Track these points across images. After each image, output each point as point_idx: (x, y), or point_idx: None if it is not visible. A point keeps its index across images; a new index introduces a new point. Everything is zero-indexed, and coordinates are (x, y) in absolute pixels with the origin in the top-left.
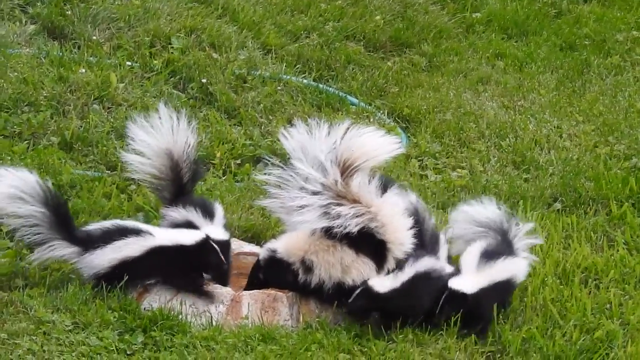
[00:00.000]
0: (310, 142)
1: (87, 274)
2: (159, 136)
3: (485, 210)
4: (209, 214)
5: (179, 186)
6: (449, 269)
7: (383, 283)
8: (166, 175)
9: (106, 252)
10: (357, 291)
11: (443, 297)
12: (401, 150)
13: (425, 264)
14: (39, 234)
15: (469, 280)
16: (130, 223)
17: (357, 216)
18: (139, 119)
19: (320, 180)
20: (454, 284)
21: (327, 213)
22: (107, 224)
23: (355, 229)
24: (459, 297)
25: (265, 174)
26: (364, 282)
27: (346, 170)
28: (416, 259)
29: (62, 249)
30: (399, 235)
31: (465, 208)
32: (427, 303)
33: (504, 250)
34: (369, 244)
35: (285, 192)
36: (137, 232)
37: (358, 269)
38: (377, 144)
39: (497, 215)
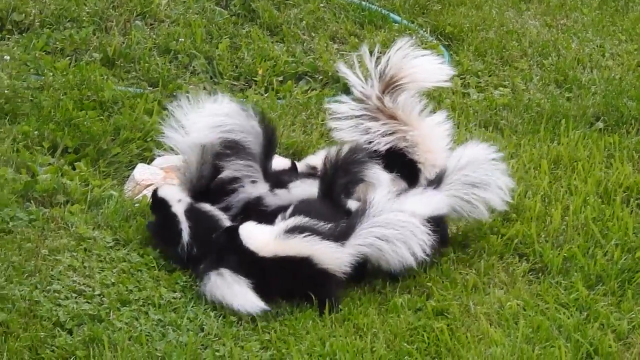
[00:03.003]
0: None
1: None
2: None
3: None
4: None
5: None
6: None
7: None
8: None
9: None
10: None
11: None
12: (449, 84)
13: None
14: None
15: None
16: None
17: (387, 134)
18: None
19: (360, 88)
20: None
21: (356, 126)
22: None
23: (383, 148)
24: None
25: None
26: None
27: (389, 85)
28: None
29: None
30: (431, 157)
31: None
32: None
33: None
34: (401, 164)
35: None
36: None
37: None
38: (428, 69)
39: None
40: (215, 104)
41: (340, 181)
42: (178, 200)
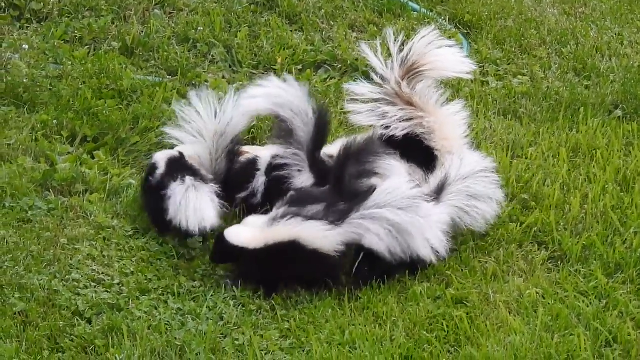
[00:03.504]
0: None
1: None
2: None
3: None
4: None
5: None
6: None
7: None
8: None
9: None
10: None
11: None
12: (469, 77)
13: None
14: None
15: None
16: None
17: (404, 120)
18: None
19: (380, 71)
20: None
21: (373, 110)
22: None
23: (400, 134)
24: None
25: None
26: None
27: (410, 71)
28: None
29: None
30: (447, 144)
31: None
32: None
33: None
34: (418, 151)
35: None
36: None
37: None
38: (451, 59)
39: None
40: (276, 79)
41: (351, 171)
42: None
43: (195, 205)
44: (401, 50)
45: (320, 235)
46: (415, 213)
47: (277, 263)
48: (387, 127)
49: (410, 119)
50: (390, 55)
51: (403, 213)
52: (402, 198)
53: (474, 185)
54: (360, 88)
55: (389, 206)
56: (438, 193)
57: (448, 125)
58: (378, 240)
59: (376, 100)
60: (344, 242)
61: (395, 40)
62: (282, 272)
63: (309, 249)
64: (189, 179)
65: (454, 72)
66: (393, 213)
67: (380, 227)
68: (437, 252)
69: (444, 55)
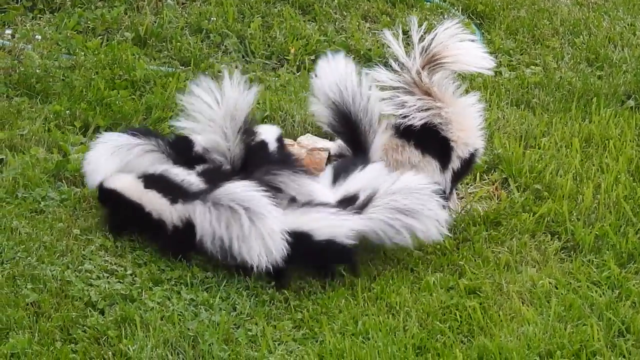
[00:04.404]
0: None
1: None
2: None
3: None
4: None
5: None
6: None
7: None
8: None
9: None
10: None
11: None
12: (490, 73)
13: None
14: None
15: None
16: None
17: (422, 110)
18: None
19: (402, 59)
20: None
21: (392, 99)
22: None
23: (418, 123)
24: None
25: None
26: None
27: (430, 62)
28: None
29: None
30: (464, 135)
31: None
32: None
33: None
34: (433, 142)
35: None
36: None
37: (424, 170)
38: (473, 54)
39: None
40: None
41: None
42: None
43: None
44: (422, 40)
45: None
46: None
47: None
48: (405, 117)
49: (429, 109)
50: (408, 45)
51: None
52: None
53: (402, 200)
54: (380, 75)
55: (233, 202)
56: (362, 207)
57: (465, 116)
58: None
59: (395, 89)
60: (181, 218)
61: (419, 28)
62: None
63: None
64: None
65: (476, 66)
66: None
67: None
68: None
69: (467, 49)
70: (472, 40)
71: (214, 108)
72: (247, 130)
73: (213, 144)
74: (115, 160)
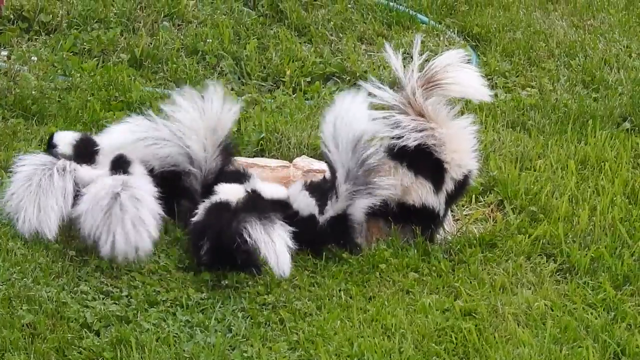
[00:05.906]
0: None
1: None
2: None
3: None
4: None
5: None
6: None
7: None
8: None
9: None
10: None
11: None
12: (489, 99)
13: None
14: None
15: None
16: None
17: (416, 130)
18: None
19: (400, 74)
20: None
21: (387, 118)
22: None
23: (412, 144)
24: None
25: None
26: None
27: (429, 83)
28: None
29: None
30: (457, 157)
31: None
32: None
33: None
34: (426, 163)
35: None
36: None
37: (417, 191)
38: (472, 82)
39: None
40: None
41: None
42: None
43: None
44: (422, 62)
45: None
46: None
47: None
48: (399, 137)
49: (423, 130)
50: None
51: None
52: None
53: None
54: (377, 91)
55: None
56: None
57: (459, 138)
58: None
59: (389, 107)
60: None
61: (417, 49)
62: None
63: None
64: None
65: (473, 95)
66: None
67: None
68: None
69: (468, 77)
70: (472, 70)
71: (196, 119)
72: (226, 147)
73: (193, 153)
74: None
